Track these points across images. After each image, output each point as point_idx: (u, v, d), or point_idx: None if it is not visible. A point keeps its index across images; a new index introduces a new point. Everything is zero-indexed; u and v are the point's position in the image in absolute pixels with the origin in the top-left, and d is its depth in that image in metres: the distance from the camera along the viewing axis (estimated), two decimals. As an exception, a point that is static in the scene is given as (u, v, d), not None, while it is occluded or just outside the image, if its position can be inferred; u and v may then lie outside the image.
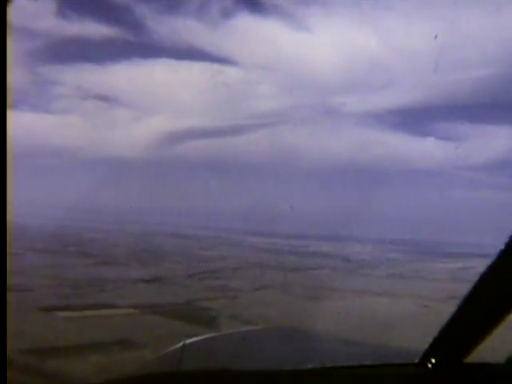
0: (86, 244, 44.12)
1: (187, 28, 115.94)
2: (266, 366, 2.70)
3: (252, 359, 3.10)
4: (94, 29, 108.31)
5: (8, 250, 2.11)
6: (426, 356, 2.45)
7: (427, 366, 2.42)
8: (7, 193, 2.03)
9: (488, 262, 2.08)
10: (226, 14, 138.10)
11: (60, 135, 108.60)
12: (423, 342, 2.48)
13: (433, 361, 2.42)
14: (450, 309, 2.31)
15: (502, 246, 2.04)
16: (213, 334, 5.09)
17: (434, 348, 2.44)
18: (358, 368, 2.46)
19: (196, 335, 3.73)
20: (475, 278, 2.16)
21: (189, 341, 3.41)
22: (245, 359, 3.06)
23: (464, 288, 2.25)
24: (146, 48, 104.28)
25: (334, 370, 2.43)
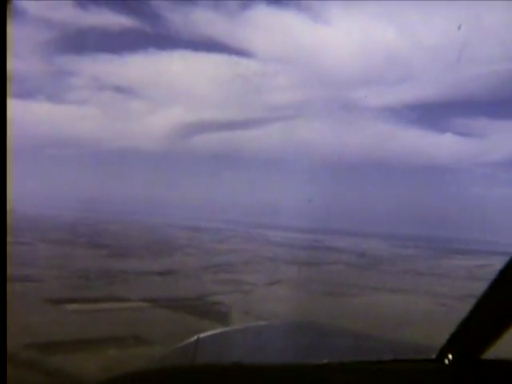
0: (99, 235, 44.08)
1: (204, 19, 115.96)
2: (280, 361, 2.71)
3: (266, 354, 3.09)
4: (111, 19, 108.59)
5: (8, 240, 2.14)
6: (442, 352, 2.44)
7: (444, 362, 2.41)
8: (7, 183, 2.05)
9: (506, 259, 2.06)
10: (244, 6, 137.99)
11: (76, 126, 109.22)
12: (439, 340, 2.45)
13: (450, 357, 2.40)
14: (467, 308, 2.28)
15: None
16: (227, 329, 5.18)
17: (451, 344, 2.43)
18: (374, 363, 2.43)
19: (208, 330, 3.63)
20: (493, 277, 2.15)
21: (202, 335, 3.38)
22: (259, 354, 3.06)
23: (482, 286, 2.22)
24: (163, 39, 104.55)
25: (348, 364, 2.42)
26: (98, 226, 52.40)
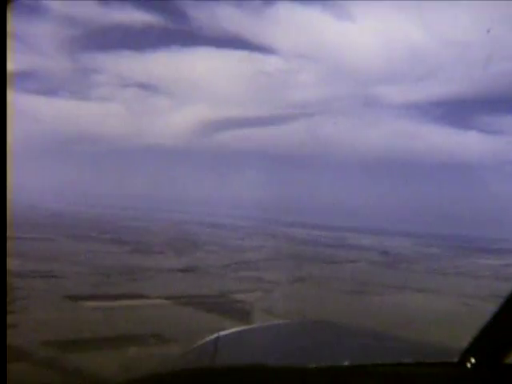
0: (121, 231, 44.19)
1: (228, 16, 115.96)
2: (299, 360, 2.72)
3: (285, 353, 3.07)
4: (134, 17, 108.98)
5: (9, 235, 2.13)
6: (465, 355, 2.38)
7: (466, 365, 2.35)
8: (7, 178, 2.07)
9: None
10: (267, 3, 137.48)
11: (99, 123, 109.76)
12: (463, 341, 2.39)
13: (472, 360, 2.35)
14: (492, 308, 2.20)
15: None
16: (246, 327, 5.17)
17: (473, 347, 2.37)
18: (393, 366, 2.41)
19: (229, 329, 3.62)
20: None
21: (222, 333, 3.40)
22: (278, 353, 3.07)
23: (508, 286, 2.21)
24: (186, 36, 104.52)
25: (368, 367, 2.37)
26: (120, 222, 52.58)
